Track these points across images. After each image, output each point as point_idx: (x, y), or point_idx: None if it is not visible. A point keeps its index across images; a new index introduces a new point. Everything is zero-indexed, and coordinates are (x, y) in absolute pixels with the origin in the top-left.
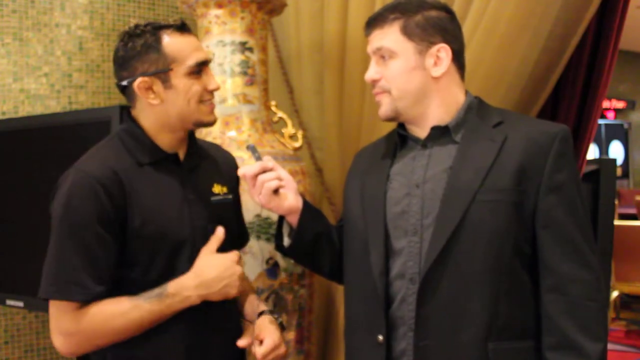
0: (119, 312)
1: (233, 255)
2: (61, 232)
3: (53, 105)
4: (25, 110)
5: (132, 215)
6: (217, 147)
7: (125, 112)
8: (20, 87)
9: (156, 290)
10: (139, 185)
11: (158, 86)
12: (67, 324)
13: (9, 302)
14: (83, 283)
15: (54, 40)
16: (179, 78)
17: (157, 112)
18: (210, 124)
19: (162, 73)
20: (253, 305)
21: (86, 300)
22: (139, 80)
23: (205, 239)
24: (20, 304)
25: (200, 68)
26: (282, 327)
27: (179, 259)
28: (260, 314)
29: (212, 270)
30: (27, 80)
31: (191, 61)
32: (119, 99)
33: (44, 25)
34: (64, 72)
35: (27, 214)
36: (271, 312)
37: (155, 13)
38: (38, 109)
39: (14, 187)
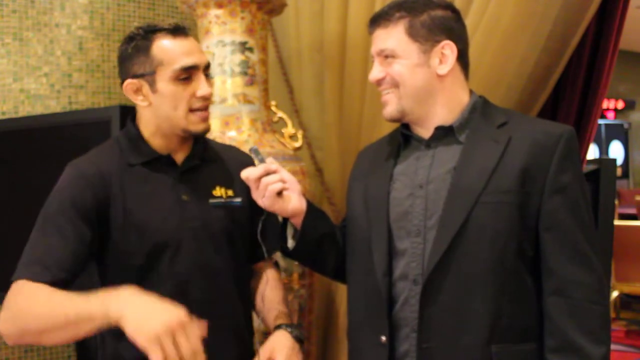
0: (48, 297)
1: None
2: (38, 219)
3: (53, 105)
4: (25, 110)
5: (114, 213)
6: (234, 150)
7: (130, 114)
8: (20, 87)
9: (94, 292)
10: (126, 185)
11: (146, 89)
12: (8, 298)
13: None
14: (42, 265)
15: (54, 40)
16: (164, 82)
17: (149, 114)
18: (200, 133)
19: (149, 76)
20: (272, 314)
21: (40, 281)
22: (127, 82)
23: (195, 242)
24: None
25: (189, 74)
26: (300, 341)
27: (160, 260)
28: (277, 327)
29: (151, 321)
30: (27, 80)
31: (176, 66)
32: (118, 99)
33: (44, 25)
34: (64, 72)
35: (28, 214)
36: (288, 326)
37: (155, 13)
38: (38, 109)
39: (14, 187)
